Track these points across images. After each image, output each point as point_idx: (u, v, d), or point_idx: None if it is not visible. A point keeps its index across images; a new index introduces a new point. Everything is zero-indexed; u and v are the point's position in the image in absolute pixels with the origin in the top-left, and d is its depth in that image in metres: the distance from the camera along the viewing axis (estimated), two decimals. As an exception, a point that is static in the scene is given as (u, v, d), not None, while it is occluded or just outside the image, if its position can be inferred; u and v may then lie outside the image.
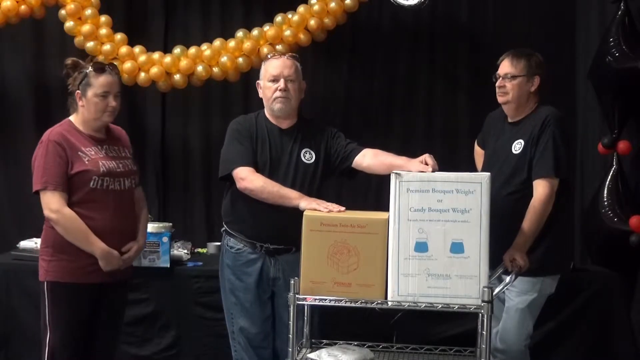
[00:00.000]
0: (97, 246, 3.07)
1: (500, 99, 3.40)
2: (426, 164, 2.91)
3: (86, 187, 3.08)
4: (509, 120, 3.43)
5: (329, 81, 5.01)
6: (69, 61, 3.21)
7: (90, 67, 3.14)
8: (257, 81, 3.38)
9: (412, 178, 2.63)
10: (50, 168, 3.05)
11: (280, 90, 3.24)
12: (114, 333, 3.30)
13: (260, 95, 3.36)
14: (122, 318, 3.36)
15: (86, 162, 3.09)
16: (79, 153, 3.09)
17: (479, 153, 3.70)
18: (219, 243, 3.61)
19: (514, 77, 3.33)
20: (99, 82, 3.12)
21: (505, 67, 3.37)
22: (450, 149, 4.78)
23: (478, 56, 4.82)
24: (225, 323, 3.41)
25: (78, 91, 3.15)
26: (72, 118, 3.21)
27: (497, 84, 3.39)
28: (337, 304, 2.65)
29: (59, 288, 3.09)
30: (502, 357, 3.34)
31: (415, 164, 2.96)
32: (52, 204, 3.04)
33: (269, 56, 3.41)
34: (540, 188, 3.20)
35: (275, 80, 3.26)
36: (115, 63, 4.14)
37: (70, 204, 3.06)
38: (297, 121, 3.35)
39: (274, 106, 3.27)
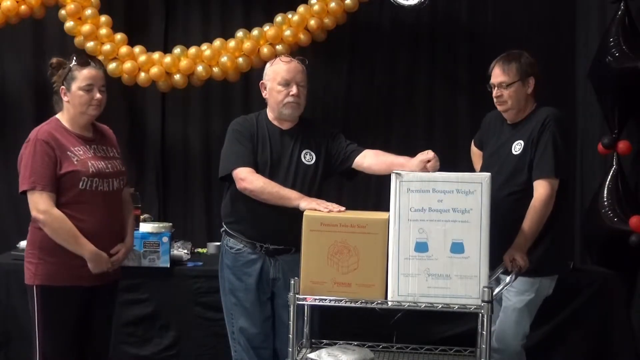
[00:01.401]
0: (87, 248, 3.02)
1: (500, 108, 3.37)
2: (428, 161, 2.92)
3: (75, 188, 3.03)
4: (509, 122, 3.42)
5: (329, 81, 5.01)
6: (53, 60, 3.17)
7: (74, 61, 3.10)
8: (262, 81, 3.36)
9: (413, 178, 2.63)
10: (38, 168, 3.00)
11: (293, 95, 3.24)
12: (106, 335, 3.27)
13: (264, 95, 3.34)
14: (112, 319, 3.31)
15: (75, 163, 3.03)
16: (68, 153, 3.04)
17: (476, 153, 3.69)
18: (219, 243, 3.61)
19: (508, 85, 3.31)
20: (83, 75, 3.08)
21: (498, 75, 3.33)
22: (450, 149, 4.77)
23: (478, 56, 4.81)
24: (225, 323, 3.41)
25: (62, 87, 3.10)
26: (58, 116, 3.15)
27: (493, 94, 3.36)
28: (337, 304, 2.65)
29: (49, 292, 3.02)
30: (498, 357, 3.34)
31: (415, 162, 2.96)
32: (40, 204, 2.98)
33: (279, 58, 3.38)
34: (541, 188, 3.19)
35: (287, 84, 3.25)
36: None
37: (58, 205, 3.00)
38: (298, 122, 3.34)
39: (284, 110, 3.26)
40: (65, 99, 3.11)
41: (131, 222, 3.30)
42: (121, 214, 3.23)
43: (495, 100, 3.36)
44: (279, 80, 3.26)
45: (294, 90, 3.24)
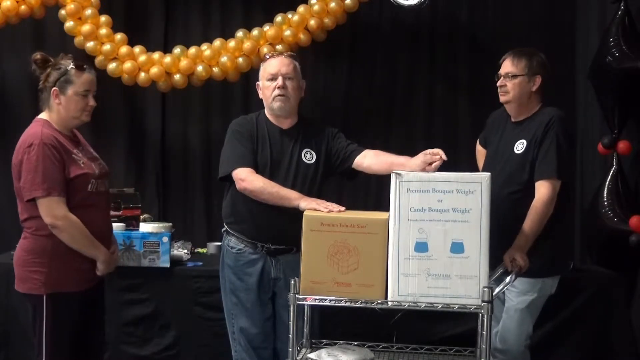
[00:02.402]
0: (102, 251, 3.04)
1: (501, 98, 3.40)
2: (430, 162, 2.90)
3: (84, 191, 3.00)
4: (512, 119, 3.43)
5: (329, 81, 5.01)
6: (37, 56, 3.06)
7: (71, 64, 3.02)
8: (257, 82, 3.38)
9: (412, 178, 2.62)
10: (50, 173, 2.91)
11: (278, 88, 3.24)
12: (102, 334, 3.28)
13: (261, 96, 3.35)
14: (104, 318, 3.31)
15: (82, 165, 3.01)
16: (73, 156, 3.00)
17: (480, 152, 3.70)
18: (219, 243, 3.61)
19: (514, 76, 3.34)
20: (81, 80, 3.02)
21: (507, 66, 3.38)
22: (450, 149, 4.71)
23: (478, 56, 4.82)
24: (225, 323, 3.41)
25: (55, 88, 3.01)
26: (46, 117, 3.06)
27: (498, 84, 3.40)
28: (337, 304, 2.65)
29: (58, 299, 2.96)
30: (502, 358, 3.35)
31: (417, 159, 2.95)
32: (58, 210, 2.92)
33: (267, 56, 3.41)
34: (543, 189, 3.20)
35: (273, 78, 3.26)
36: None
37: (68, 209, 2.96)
38: (297, 121, 3.35)
39: (273, 105, 3.27)
40: (56, 101, 3.02)
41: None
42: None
43: (499, 89, 3.39)
44: (266, 76, 3.28)
45: (279, 82, 3.24)
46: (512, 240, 3.15)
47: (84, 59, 3.27)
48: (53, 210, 2.92)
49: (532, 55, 3.37)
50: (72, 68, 3.02)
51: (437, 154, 2.91)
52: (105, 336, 3.37)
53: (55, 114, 3.05)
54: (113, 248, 3.16)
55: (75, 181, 2.98)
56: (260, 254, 3.26)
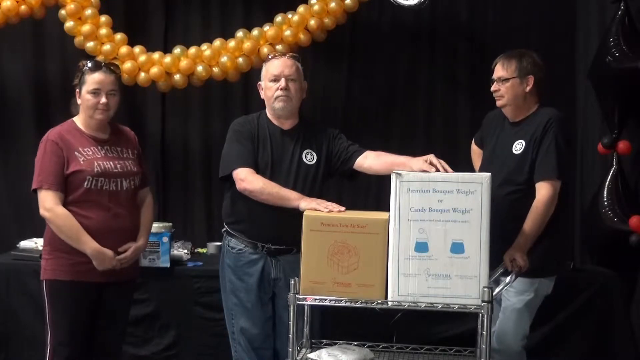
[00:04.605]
0: (89, 245, 3.07)
1: (497, 103, 3.40)
2: (431, 164, 2.89)
3: (81, 187, 3.10)
4: (510, 120, 3.43)
5: (329, 81, 5.01)
6: (80, 63, 3.26)
7: (87, 66, 3.19)
8: (259, 82, 3.38)
9: (413, 178, 2.63)
10: (46, 167, 3.09)
11: (281, 89, 3.24)
12: (117, 333, 3.29)
13: (262, 96, 3.35)
14: (125, 318, 3.36)
15: (81, 162, 3.11)
16: (76, 153, 3.12)
17: (476, 152, 3.70)
18: (219, 243, 3.60)
19: (506, 79, 3.33)
20: (91, 79, 3.16)
21: (498, 70, 3.38)
22: (450, 149, 4.77)
23: (478, 56, 4.82)
24: (225, 323, 3.41)
25: (77, 89, 3.21)
26: (75, 118, 3.25)
27: (492, 89, 3.40)
28: (337, 304, 2.65)
29: (57, 286, 3.11)
30: (499, 357, 3.34)
31: (418, 161, 2.95)
32: (46, 202, 3.08)
33: (269, 57, 3.41)
34: (543, 190, 3.20)
35: (276, 79, 3.26)
36: (117, 63, 4.15)
37: (66, 203, 3.09)
38: (298, 122, 3.35)
39: (275, 105, 3.27)
40: (79, 101, 3.21)
41: (146, 222, 3.32)
42: (133, 213, 3.25)
43: (494, 94, 3.39)
44: (269, 77, 3.28)
45: (282, 83, 3.24)
46: (512, 241, 3.15)
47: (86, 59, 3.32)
48: (43, 202, 3.10)
49: (522, 56, 3.36)
50: (86, 68, 3.19)
51: (435, 166, 2.88)
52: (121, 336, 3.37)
53: (80, 113, 3.23)
54: (127, 246, 3.17)
55: (70, 177, 3.11)
56: (260, 254, 3.26)
